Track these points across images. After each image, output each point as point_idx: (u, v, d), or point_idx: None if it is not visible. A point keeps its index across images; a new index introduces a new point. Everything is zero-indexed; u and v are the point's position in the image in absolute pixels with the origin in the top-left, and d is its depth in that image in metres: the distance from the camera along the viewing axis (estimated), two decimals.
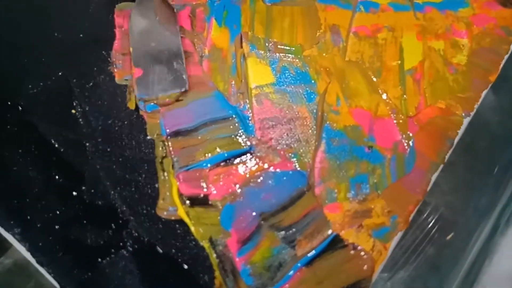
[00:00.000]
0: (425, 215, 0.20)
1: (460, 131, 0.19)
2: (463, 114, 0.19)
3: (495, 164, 0.21)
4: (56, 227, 0.18)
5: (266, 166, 0.18)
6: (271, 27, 0.21)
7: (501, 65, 0.20)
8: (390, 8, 0.21)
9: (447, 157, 0.18)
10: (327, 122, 0.19)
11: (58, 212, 0.18)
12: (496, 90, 0.21)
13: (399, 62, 0.20)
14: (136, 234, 0.17)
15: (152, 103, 0.19)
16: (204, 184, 0.17)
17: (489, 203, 0.20)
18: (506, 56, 0.20)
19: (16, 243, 0.17)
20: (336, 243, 0.17)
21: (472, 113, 0.19)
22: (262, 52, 0.20)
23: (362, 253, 0.16)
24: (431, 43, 0.20)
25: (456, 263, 0.19)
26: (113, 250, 0.17)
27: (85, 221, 0.18)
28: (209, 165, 0.18)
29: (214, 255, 0.17)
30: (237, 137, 0.18)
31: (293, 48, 0.20)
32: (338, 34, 0.21)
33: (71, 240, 0.17)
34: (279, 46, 0.20)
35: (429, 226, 0.20)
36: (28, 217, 0.18)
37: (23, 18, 0.21)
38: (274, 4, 0.21)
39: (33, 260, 0.17)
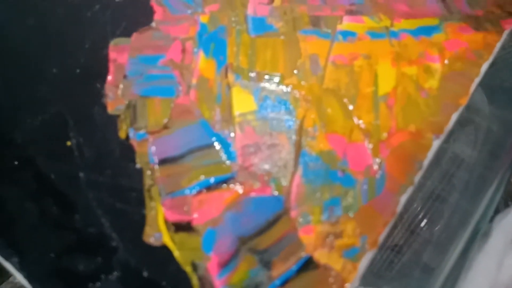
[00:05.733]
0: (407, 230, 0.21)
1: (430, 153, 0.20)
2: (433, 137, 0.20)
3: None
4: (52, 255, 0.18)
5: (246, 191, 0.19)
6: (254, 58, 0.22)
7: (472, 89, 0.21)
8: (367, 37, 0.23)
9: (416, 178, 0.19)
10: (305, 147, 0.20)
11: (53, 241, 0.19)
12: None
13: (374, 88, 0.21)
14: (125, 260, 0.18)
15: (142, 131, 0.20)
16: (188, 210, 0.18)
17: (465, 216, 0.21)
18: (477, 79, 0.21)
19: (15, 272, 0.18)
20: (308, 264, 0.17)
21: (441, 136, 0.20)
22: (246, 81, 0.21)
23: (333, 272, 0.17)
24: (404, 69, 0.21)
25: (437, 279, 0.20)
26: (103, 276, 0.18)
27: (78, 249, 0.18)
28: (193, 191, 0.19)
29: (196, 279, 0.17)
30: (220, 163, 0.19)
31: (274, 78, 0.22)
32: (317, 63, 0.22)
33: (65, 268, 0.18)
34: (261, 76, 0.22)
35: (412, 239, 0.20)
36: (25, 247, 0.19)
37: (21, 54, 0.23)
38: (258, 36, 0.23)
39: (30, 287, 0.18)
